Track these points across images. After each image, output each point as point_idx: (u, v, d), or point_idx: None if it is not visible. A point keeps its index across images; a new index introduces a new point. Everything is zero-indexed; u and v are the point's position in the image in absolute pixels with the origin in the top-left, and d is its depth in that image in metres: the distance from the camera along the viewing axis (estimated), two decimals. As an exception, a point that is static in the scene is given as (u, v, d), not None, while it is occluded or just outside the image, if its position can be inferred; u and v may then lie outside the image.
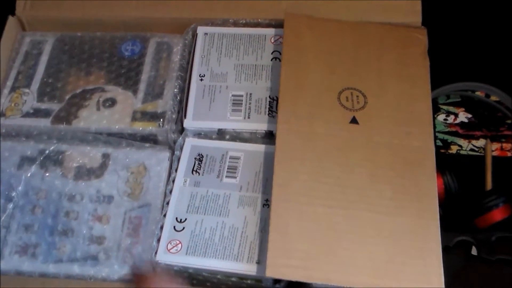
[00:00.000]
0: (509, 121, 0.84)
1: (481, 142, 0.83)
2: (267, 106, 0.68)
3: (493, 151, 0.82)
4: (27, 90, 0.73)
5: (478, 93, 0.86)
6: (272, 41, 0.73)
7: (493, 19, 0.88)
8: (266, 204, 0.62)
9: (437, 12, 0.76)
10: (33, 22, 0.79)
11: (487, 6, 0.88)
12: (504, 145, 0.83)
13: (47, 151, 0.68)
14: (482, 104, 0.86)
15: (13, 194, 0.66)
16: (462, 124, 0.85)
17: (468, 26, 0.88)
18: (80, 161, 0.68)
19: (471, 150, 0.83)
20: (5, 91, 0.73)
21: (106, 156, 0.68)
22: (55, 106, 0.71)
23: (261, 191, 0.63)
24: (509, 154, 0.83)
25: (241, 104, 0.68)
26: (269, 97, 0.69)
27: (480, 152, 0.83)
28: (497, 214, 0.75)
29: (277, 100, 0.68)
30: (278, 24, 0.74)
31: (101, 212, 0.65)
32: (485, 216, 0.75)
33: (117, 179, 0.67)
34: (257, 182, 0.63)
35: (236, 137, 0.67)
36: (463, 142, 0.84)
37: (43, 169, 0.67)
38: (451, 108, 0.86)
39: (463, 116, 0.85)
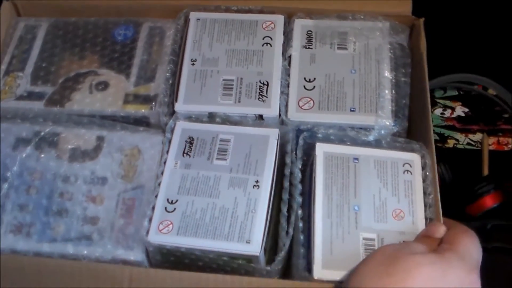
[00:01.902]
0: (506, 115, 0.85)
1: (478, 136, 0.84)
2: (258, 91, 0.69)
3: (490, 145, 0.83)
4: (21, 74, 0.74)
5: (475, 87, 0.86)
6: (264, 26, 0.74)
7: (490, 13, 0.88)
8: (256, 185, 0.63)
9: (432, 4, 0.77)
10: (27, 7, 0.79)
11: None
12: (501, 139, 0.84)
13: (42, 133, 0.69)
14: (480, 98, 0.86)
15: (8, 174, 0.67)
16: (459, 118, 0.86)
17: (465, 19, 0.88)
18: (75, 143, 0.69)
19: (468, 144, 0.84)
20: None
21: (100, 139, 0.69)
22: (48, 90, 0.72)
23: (251, 172, 0.64)
24: (506, 148, 0.83)
25: (232, 88, 0.70)
26: (260, 81, 0.70)
27: (477, 146, 0.84)
28: (489, 201, 0.76)
29: (267, 85, 0.69)
30: (269, 11, 0.75)
31: (95, 193, 0.66)
32: (476, 203, 0.76)
33: (111, 162, 0.68)
34: (247, 164, 0.64)
35: (227, 120, 0.68)
36: (460, 136, 0.85)
37: (38, 151, 0.68)
38: (448, 102, 0.87)
39: (460, 110, 0.86)
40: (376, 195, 0.63)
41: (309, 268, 0.60)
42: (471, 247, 0.55)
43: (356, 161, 0.65)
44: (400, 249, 0.55)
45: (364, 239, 0.60)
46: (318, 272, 0.59)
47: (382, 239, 0.60)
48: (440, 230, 0.58)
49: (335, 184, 0.63)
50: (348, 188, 0.63)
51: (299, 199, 0.64)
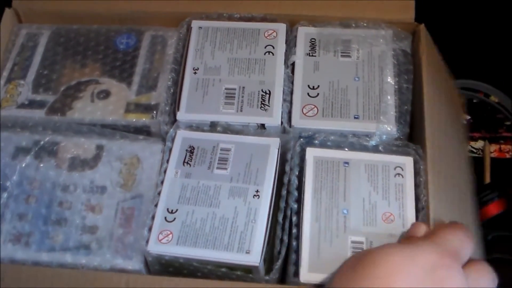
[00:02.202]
0: (507, 123, 0.85)
1: (479, 144, 0.84)
2: (260, 100, 0.69)
3: (491, 152, 0.83)
4: (22, 82, 0.74)
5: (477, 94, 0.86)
6: (266, 35, 0.73)
7: (492, 19, 0.88)
8: (256, 195, 0.62)
9: (435, 10, 0.77)
10: (29, 15, 0.79)
11: (486, 5, 0.88)
12: (503, 146, 0.84)
13: (41, 142, 0.69)
14: (481, 105, 0.86)
15: (7, 183, 0.67)
16: (460, 126, 0.85)
17: (468, 25, 0.88)
18: (74, 152, 0.68)
19: (470, 151, 0.84)
20: (1, 82, 0.74)
21: (100, 148, 0.69)
22: (50, 98, 0.72)
23: (251, 182, 0.63)
24: (507, 155, 0.83)
25: (234, 97, 0.69)
26: (262, 90, 0.69)
27: (479, 154, 0.83)
28: (492, 209, 0.76)
29: (269, 94, 0.69)
30: (272, 19, 0.75)
31: (94, 202, 0.66)
32: (480, 211, 0.75)
33: (110, 170, 0.67)
34: (247, 173, 0.64)
35: (228, 129, 0.68)
36: (462, 144, 0.84)
37: (37, 160, 0.68)
38: (449, 110, 0.86)
39: (461, 118, 0.86)
40: (366, 198, 0.62)
41: (297, 272, 0.59)
42: (449, 237, 0.53)
43: (346, 165, 0.64)
44: (371, 248, 0.54)
45: (353, 242, 0.60)
46: (305, 275, 0.59)
47: (371, 242, 0.60)
48: (421, 228, 0.57)
49: (324, 188, 0.63)
50: (337, 192, 0.63)
51: (294, 205, 0.63)
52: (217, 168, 0.65)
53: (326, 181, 0.64)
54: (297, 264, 0.60)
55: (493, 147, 0.83)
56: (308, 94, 0.69)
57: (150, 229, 0.62)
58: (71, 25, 0.78)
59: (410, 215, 0.61)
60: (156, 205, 0.63)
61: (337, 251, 0.60)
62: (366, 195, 0.63)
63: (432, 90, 0.68)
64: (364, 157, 0.65)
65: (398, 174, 0.64)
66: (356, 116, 0.67)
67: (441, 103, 0.68)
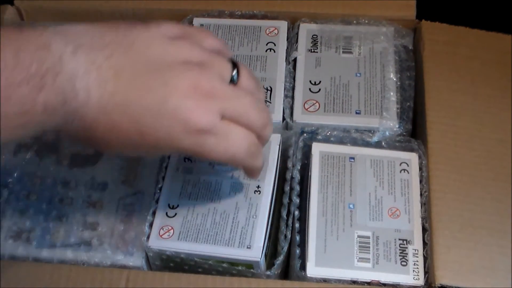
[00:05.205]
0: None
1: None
2: (261, 96, 0.69)
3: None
4: (24, 79, 0.74)
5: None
6: (267, 32, 0.74)
7: (495, 16, 0.88)
8: (257, 190, 0.62)
9: (437, 7, 0.77)
10: (31, 12, 0.79)
11: (486, 4, 0.88)
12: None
13: (43, 138, 0.69)
14: None
15: (9, 180, 0.67)
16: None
17: (470, 23, 0.88)
18: (76, 149, 0.68)
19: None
20: (2, 79, 0.74)
21: (101, 144, 0.69)
22: (51, 95, 0.72)
23: (252, 177, 0.63)
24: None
25: (235, 94, 0.69)
26: (263, 87, 0.69)
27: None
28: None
29: (271, 90, 0.69)
30: (273, 17, 0.75)
31: (95, 198, 0.65)
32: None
33: (111, 166, 0.67)
34: (248, 169, 0.64)
35: (229, 125, 0.68)
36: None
37: (38, 156, 0.68)
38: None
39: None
40: (372, 193, 0.63)
41: (303, 266, 0.59)
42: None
43: (352, 160, 0.65)
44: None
45: (359, 236, 0.60)
46: (312, 269, 0.59)
47: (377, 237, 0.60)
48: None
49: (330, 183, 0.63)
50: (343, 187, 0.63)
51: (296, 200, 0.63)
52: (218, 163, 0.64)
53: (332, 176, 0.64)
54: (302, 258, 0.60)
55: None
56: (309, 89, 0.69)
57: (151, 225, 0.62)
58: (72, 23, 0.77)
59: (416, 210, 0.62)
60: (157, 201, 0.63)
61: (344, 246, 0.60)
62: (372, 190, 0.63)
63: (434, 86, 0.68)
64: (370, 152, 0.65)
65: (404, 170, 0.64)
66: (358, 112, 0.67)
67: (445, 98, 0.68)
